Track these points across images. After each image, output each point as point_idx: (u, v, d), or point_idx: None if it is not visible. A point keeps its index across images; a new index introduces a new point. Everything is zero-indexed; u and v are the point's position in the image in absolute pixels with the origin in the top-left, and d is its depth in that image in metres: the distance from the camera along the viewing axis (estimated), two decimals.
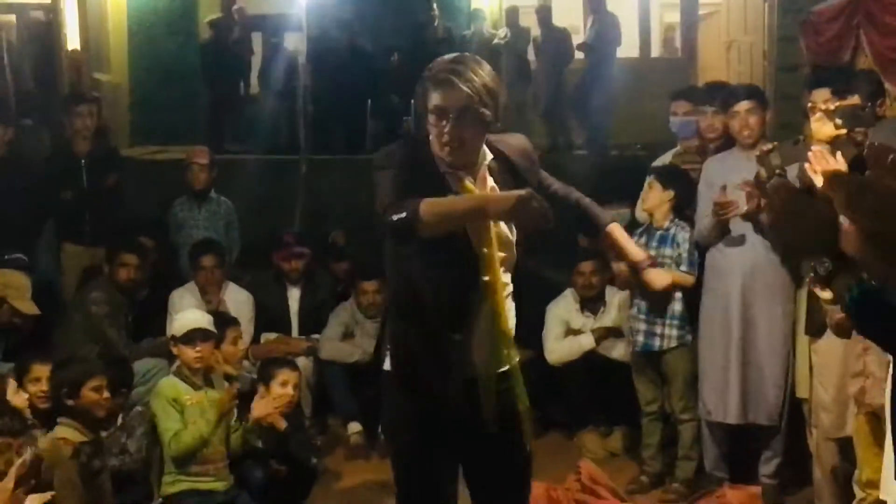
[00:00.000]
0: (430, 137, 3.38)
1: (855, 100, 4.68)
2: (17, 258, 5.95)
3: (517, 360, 3.52)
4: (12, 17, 13.08)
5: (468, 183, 3.35)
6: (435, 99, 3.30)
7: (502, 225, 3.41)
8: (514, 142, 3.60)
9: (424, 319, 3.42)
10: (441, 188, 3.35)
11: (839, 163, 3.45)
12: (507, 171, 3.49)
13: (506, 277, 3.47)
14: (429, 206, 3.12)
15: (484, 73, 3.32)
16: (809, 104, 4.94)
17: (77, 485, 4.47)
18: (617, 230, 3.78)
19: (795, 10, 11.21)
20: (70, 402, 4.68)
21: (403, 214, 3.13)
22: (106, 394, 4.80)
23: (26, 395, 4.92)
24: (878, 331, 2.46)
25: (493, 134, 3.47)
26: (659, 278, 4.03)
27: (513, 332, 3.51)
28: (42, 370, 5.13)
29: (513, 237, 3.46)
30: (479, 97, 3.26)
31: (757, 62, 12.33)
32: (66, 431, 4.58)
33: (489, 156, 3.44)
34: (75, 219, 7.11)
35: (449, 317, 3.40)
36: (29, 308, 5.69)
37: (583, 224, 3.93)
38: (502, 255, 3.40)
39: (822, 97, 4.88)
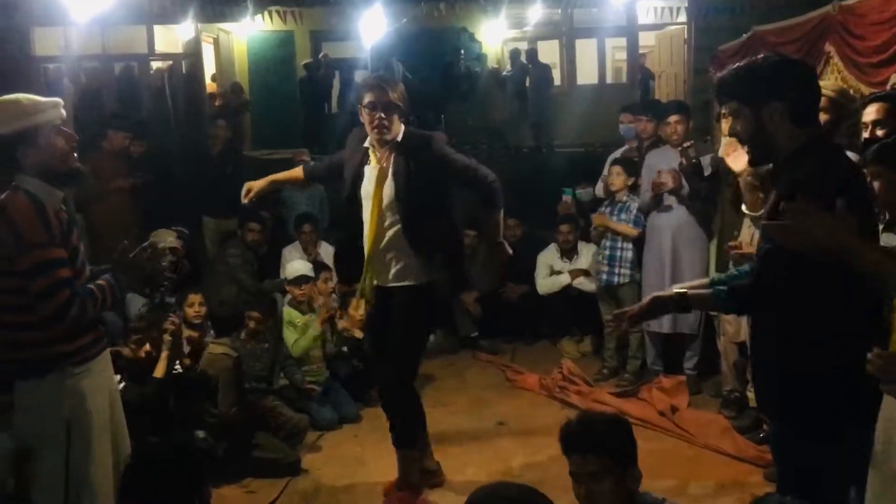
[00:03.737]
0: (365, 125, 3.59)
1: None
2: (179, 229, 5.97)
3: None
4: (169, 62, 13.12)
5: (374, 157, 3.63)
6: (369, 97, 3.53)
7: (386, 190, 3.61)
8: (419, 135, 3.71)
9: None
10: (363, 158, 3.67)
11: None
12: (407, 152, 3.59)
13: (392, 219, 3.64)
14: None
15: (396, 86, 3.63)
16: (720, 111, 4.93)
17: (234, 387, 4.52)
18: (495, 216, 3.93)
19: (706, 49, 11.10)
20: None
21: None
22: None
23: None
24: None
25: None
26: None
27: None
28: (196, 298, 5.14)
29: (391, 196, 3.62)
30: (396, 96, 3.54)
31: (679, 86, 12.19)
32: (222, 349, 4.58)
33: (399, 138, 3.59)
34: (212, 199, 7.03)
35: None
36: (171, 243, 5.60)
37: (484, 197, 3.81)
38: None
39: (732, 107, 4.84)
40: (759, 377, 2.68)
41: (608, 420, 2.57)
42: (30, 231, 2.60)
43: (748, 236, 4.51)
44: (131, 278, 2.90)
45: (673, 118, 5.20)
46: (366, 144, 3.65)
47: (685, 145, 4.95)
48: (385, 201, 3.61)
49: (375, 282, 3.78)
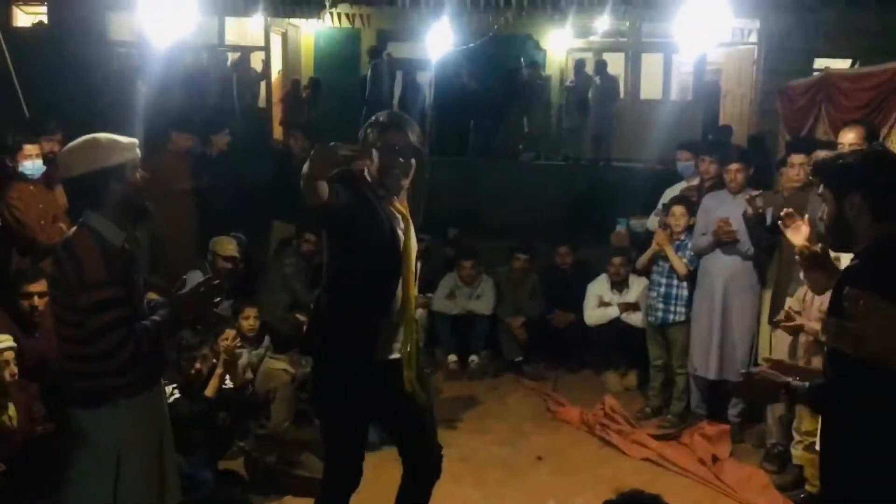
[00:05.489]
0: (373, 168, 3.03)
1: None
2: (238, 236, 6.05)
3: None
4: (237, 54, 13.29)
5: (393, 204, 3.09)
6: (391, 138, 3.02)
7: (413, 244, 3.13)
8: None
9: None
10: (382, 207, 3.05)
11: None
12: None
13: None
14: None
15: (415, 125, 3.12)
16: (789, 162, 4.85)
17: (290, 401, 4.58)
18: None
19: (773, 72, 10.90)
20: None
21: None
22: None
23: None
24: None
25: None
26: None
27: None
28: (251, 311, 5.24)
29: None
30: (416, 138, 3.07)
31: (745, 108, 11.96)
32: (282, 364, 4.64)
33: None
34: (287, 204, 6.66)
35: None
36: (231, 252, 5.69)
37: None
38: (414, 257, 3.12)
39: (798, 159, 4.78)
40: (825, 462, 2.58)
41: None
42: (91, 269, 2.67)
43: (802, 293, 4.45)
44: (187, 315, 2.95)
45: (734, 166, 5.11)
46: (381, 193, 3.07)
47: (753, 194, 4.88)
48: (413, 256, 3.14)
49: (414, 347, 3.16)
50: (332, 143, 2.73)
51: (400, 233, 3.10)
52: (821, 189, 2.46)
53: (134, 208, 2.84)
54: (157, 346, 2.89)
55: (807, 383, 2.38)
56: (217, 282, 2.97)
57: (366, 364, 3.07)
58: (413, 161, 3.07)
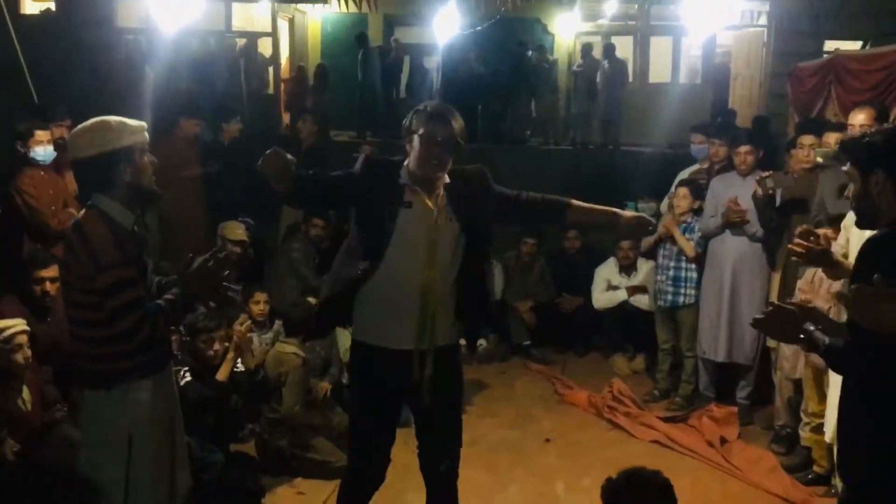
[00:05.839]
0: (411, 156, 2.97)
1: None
2: (246, 221, 6.06)
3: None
4: (244, 40, 13.27)
5: (426, 198, 2.96)
6: (430, 127, 2.91)
7: (444, 238, 2.97)
8: (470, 171, 3.09)
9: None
10: (398, 197, 2.96)
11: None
12: (460, 192, 3.02)
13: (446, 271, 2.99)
14: None
15: (460, 119, 2.99)
16: (799, 143, 4.84)
17: (301, 385, 4.59)
18: (576, 203, 3.15)
19: (783, 54, 10.84)
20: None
21: None
22: None
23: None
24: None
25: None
26: None
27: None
28: (261, 296, 5.28)
29: (452, 244, 2.99)
30: (459, 130, 2.94)
31: (755, 90, 11.90)
32: (292, 348, 4.63)
33: (447, 178, 3.01)
34: None
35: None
36: (240, 236, 5.71)
37: (545, 211, 3.20)
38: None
39: (808, 140, 4.76)
40: (845, 440, 2.54)
41: (651, 481, 2.57)
42: (105, 251, 2.69)
43: (811, 275, 4.44)
44: (198, 290, 2.95)
45: (744, 148, 5.11)
46: (403, 181, 2.99)
47: (764, 175, 4.87)
48: (441, 251, 2.98)
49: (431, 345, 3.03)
50: (274, 148, 2.89)
51: (408, 227, 2.96)
52: (847, 167, 2.48)
53: (142, 191, 2.85)
54: (174, 325, 2.90)
55: (827, 339, 2.39)
56: (224, 254, 2.97)
57: (376, 351, 3.06)
58: (453, 153, 2.95)
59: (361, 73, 12.82)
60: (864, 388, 2.34)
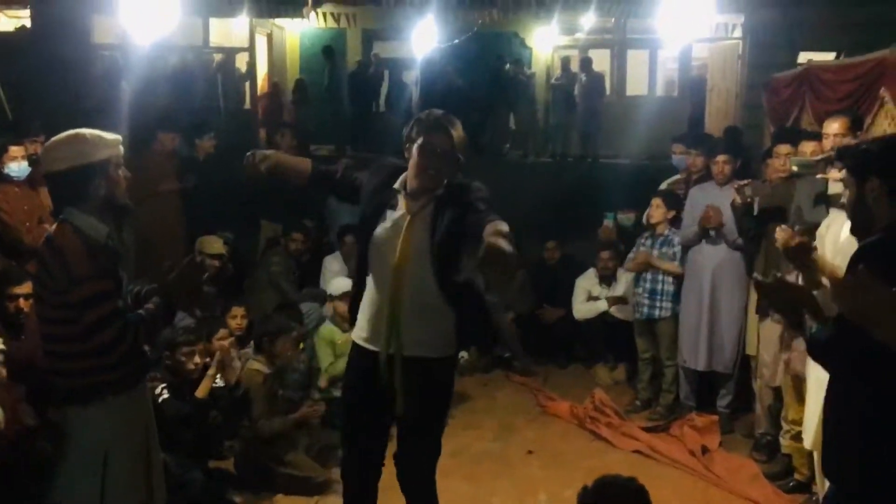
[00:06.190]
0: (409, 165, 2.96)
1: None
2: (225, 235, 6.03)
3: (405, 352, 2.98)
4: (221, 56, 13.22)
5: (406, 203, 2.97)
6: (428, 138, 2.90)
7: (415, 244, 2.94)
8: (469, 188, 2.94)
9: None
10: (389, 198, 3.00)
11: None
12: (448, 205, 2.92)
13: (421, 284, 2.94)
14: None
15: (461, 129, 2.95)
16: (775, 152, 4.87)
17: (264, 401, 4.55)
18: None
19: (758, 65, 10.93)
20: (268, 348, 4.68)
21: None
22: (292, 344, 4.83)
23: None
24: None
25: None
26: None
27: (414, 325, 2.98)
28: (239, 311, 5.24)
29: (425, 254, 2.93)
30: (458, 142, 2.91)
31: (731, 102, 11.98)
32: (257, 365, 4.62)
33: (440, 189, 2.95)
34: (273, 204, 6.74)
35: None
36: (218, 250, 5.65)
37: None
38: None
39: (784, 150, 4.80)
40: (833, 442, 2.52)
41: (624, 488, 2.56)
42: (78, 263, 2.65)
43: (793, 278, 4.46)
44: (180, 294, 2.92)
45: (721, 158, 5.16)
46: (396, 186, 3.00)
47: (742, 183, 4.90)
48: (414, 257, 2.95)
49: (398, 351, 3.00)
50: (253, 151, 3.19)
51: (387, 227, 2.99)
52: (843, 174, 2.52)
53: (115, 205, 2.81)
54: (154, 336, 2.87)
55: (815, 327, 2.41)
56: (201, 258, 2.96)
57: (355, 347, 3.16)
58: (450, 166, 2.93)
59: (328, 87, 12.79)
60: (853, 388, 2.34)
